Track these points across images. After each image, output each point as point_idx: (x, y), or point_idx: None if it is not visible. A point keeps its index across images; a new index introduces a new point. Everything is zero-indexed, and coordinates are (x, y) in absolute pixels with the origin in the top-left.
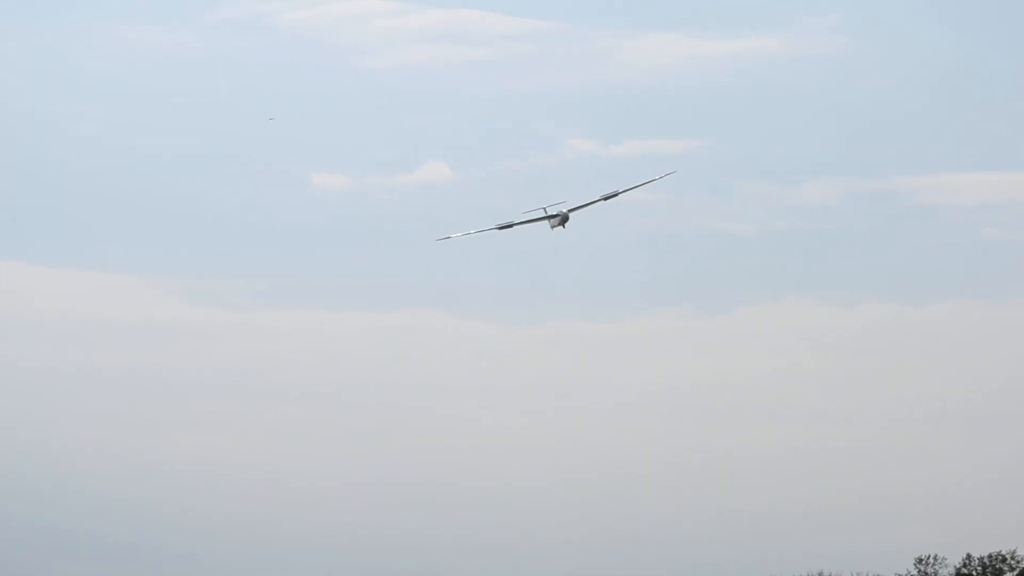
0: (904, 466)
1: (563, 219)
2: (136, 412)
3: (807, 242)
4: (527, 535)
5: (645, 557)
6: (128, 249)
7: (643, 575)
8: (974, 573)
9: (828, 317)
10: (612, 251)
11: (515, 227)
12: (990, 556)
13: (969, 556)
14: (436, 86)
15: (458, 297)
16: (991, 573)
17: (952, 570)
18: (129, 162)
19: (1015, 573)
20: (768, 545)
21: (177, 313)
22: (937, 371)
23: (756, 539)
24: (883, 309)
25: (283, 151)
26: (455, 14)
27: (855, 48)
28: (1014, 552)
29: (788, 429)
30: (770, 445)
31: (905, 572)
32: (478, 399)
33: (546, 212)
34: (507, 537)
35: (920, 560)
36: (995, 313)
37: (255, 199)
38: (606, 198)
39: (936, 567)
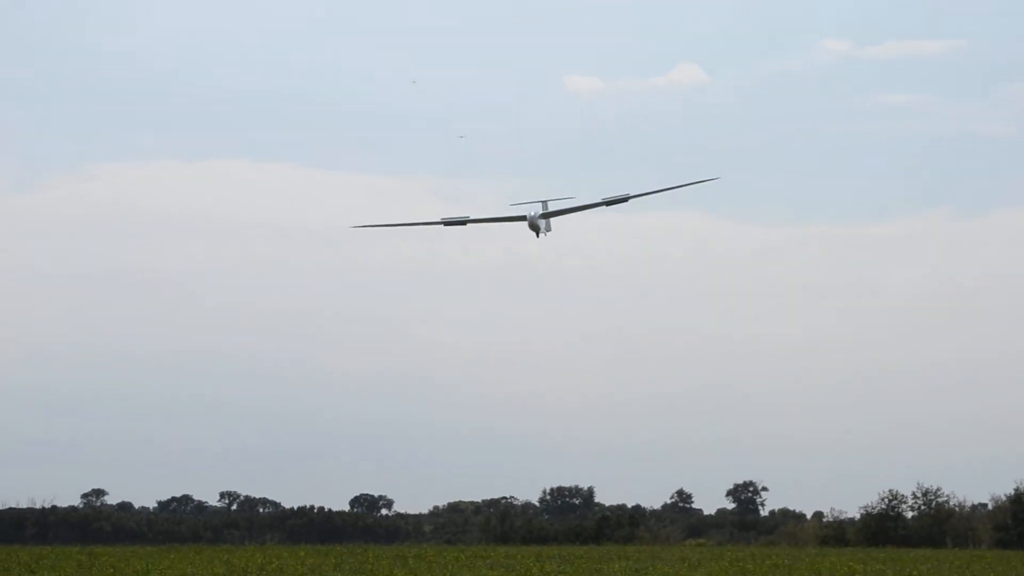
0: None
1: (543, 227)
2: (398, 317)
3: None
4: (795, 436)
5: (905, 456)
6: (388, 153)
7: (905, 474)
8: None
9: None
10: (870, 154)
11: (468, 224)
12: None
13: None
14: None
15: (715, 199)
16: None
17: None
18: (389, 74)
19: None
20: None
21: (431, 215)
22: None
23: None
24: None
25: (537, 54)
26: None
27: None
28: None
29: None
30: None
31: None
32: (737, 301)
33: (531, 214)
34: (772, 441)
35: None
36: None
37: (510, 102)
38: (609, 203)
39: None
